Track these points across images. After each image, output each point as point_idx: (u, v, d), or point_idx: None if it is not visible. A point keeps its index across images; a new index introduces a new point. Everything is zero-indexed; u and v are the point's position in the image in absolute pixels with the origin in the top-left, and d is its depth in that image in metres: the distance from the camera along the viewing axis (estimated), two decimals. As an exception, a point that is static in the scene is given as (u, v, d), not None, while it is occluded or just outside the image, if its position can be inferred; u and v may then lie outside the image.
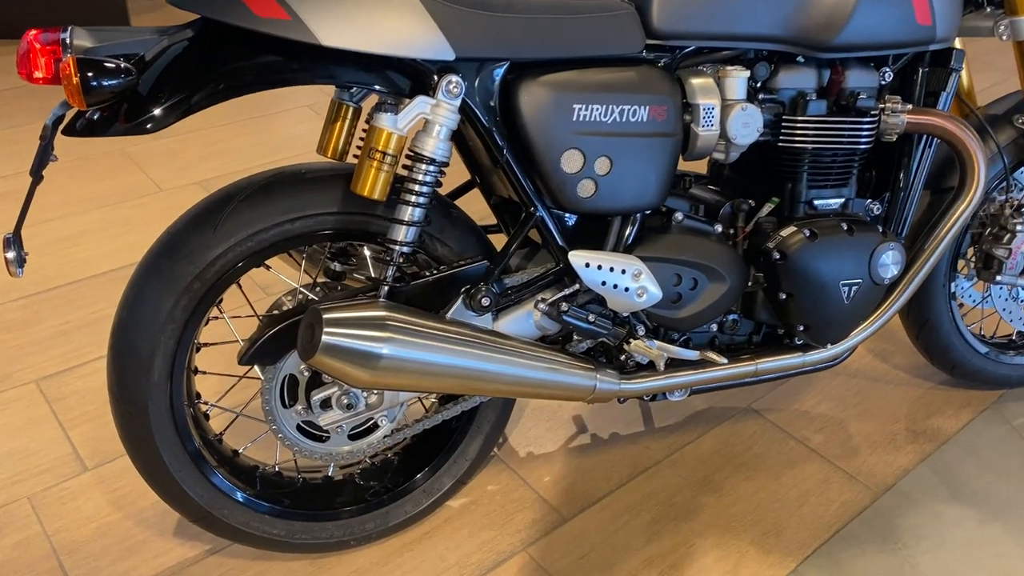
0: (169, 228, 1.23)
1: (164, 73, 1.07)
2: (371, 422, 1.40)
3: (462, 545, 1.52)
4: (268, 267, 1.32)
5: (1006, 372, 1.86)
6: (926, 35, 1.41)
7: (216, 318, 1.47)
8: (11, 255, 1.14)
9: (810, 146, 1.40)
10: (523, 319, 1.34)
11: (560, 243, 1.32)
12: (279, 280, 2.21)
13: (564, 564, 1.49)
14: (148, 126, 1.05)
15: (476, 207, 1.79)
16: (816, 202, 1.46)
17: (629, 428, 1.78)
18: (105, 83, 1.02)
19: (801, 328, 1.45)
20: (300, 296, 1.35)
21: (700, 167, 2.80)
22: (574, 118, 1.23)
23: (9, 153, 2.83)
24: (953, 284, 1.74)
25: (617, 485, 1.65)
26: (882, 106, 1.43)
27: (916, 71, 1.49)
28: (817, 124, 1.39)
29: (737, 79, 1.32)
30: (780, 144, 1.41)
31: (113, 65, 1.03)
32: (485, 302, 1.27)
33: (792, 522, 1.58)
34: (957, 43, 1.52)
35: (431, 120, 1.18)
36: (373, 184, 1.18)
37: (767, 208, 1.46)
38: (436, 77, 1.17)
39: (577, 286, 1.33)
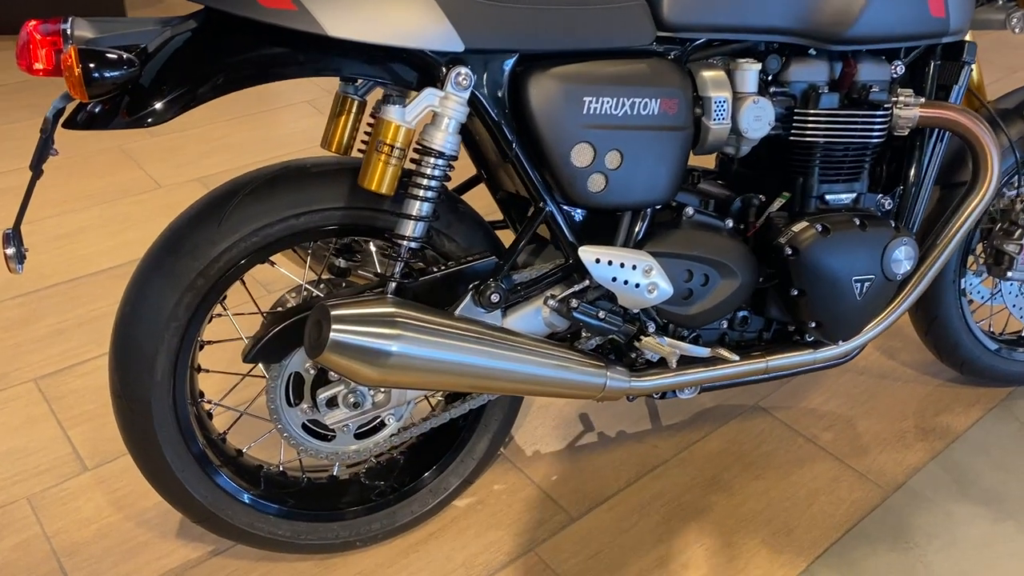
0: (172, 223, 1.21)
1: (167, 64, 1.05)
2: (378, 421, 1.38)
3: (469, 545, 1.50)
4: (273, 263, 1.30)
5: (1016, 369, 1.84)
6: (940, 27, 1.39)
7: (220, 315, 1.45)
8: (11, 251, 1.12)
9: (822, 140, 1.38)
10: (531, 316, 1.31)
11: (570, 239, 1.30)
12: (280, 278, 2.18)
13: (572, 564, 1.47)
14: (150, 119, 1.03)
15: (480, 203, 1.76)
16: (827, 197, 1.44)
17: (636, 426, 1.76)
18: (107, 74, 1.00)
19: (813, 325, 1.43)
20: (305, 293, 1.32)
21: (708, 162, 2.79)
22: (584, 111, 1.21)
23: (7, 149, 2.80)
24: (963, 280, 1.72)
25: (625, 484, 1.63)
26: (895, 99, 1.41)
27: (928, 64, 1.47)
28: (829, 117, 1.37)
29: (749, 72, 1.30)
30: (791, 138, 1.39)
31: (115, 56, 1.00)
32: (495, 298, 1.25)
33: (802, 521, 1.56)
34: (968, 36, 1.50)
35: (440, 113, 1.16)
36: (381, 178, 1.15)
37: (778, 203, 1.44)
38: (444, 69, 1.15)
39: (587, 282, 1.31)
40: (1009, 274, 1.67)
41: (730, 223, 1.41)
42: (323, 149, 1.35)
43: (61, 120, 1.08)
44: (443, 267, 1.28)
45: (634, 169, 1.26)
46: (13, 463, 1.63)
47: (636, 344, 1.38)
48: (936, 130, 1.49)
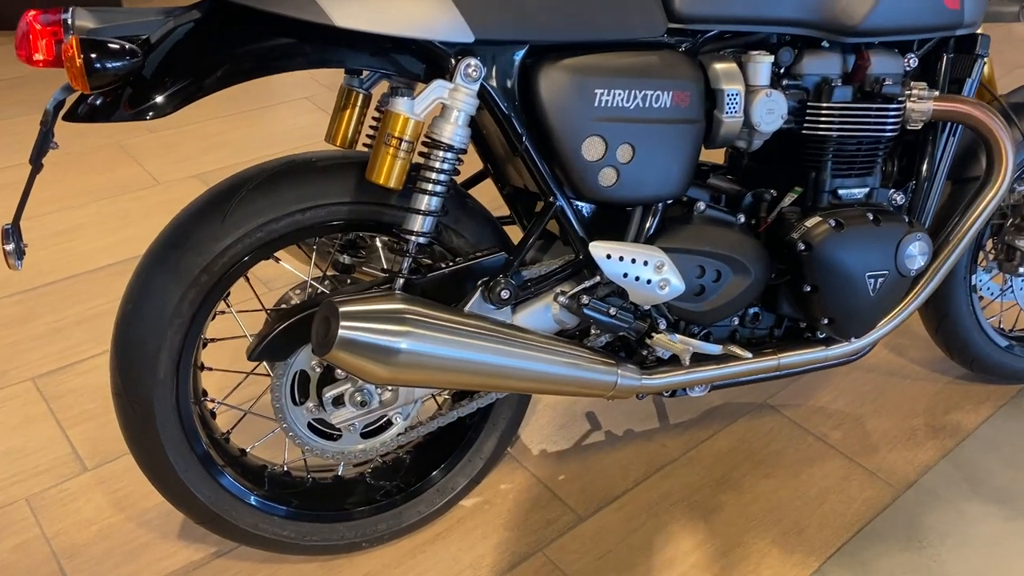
0: (176, 218, 1.18)
1: (170, 56, 1.02)
2: (384, 419, 1.36)
3: (476, 546, 1.47)
4: (277, 259, 1.28)
5: (1026, 366, 1.82)
6: (954, 19, 1.37)
7: (223, 312, 1.42)
8: (10, 247, 1.09)
9: (835, 133, 1.36)
10: (541, 312, 1.29)
11: (580, 234, 1.27)
12: (281, 275, 2.16)
13: (581, 565, 1.45)
14: (153, 112, 1.00)
15: (485, 198, 1.73)
16: (840, 192, 1.42)
17: (644, 425, 1.74)
18: (109, 65, 0.97)
19: (825, 321, 1.41)
20: (310, 290, 1.30)
21: (717, 157, 2.77)
22: (596, 104, 1.19)
23: (4, 145, 2.77)
24: (973, 276, 1.70)
25: (634, 483, 1.61)
26: (908, 92, 1.39)
27: (940, 57, 1.45)
28: (842, 111, 1.35)
29: (761, 64, 1.28)
30: (804, 132, 1.37)
31: (117, 46, 0.98)
32: (504, 295, 1.23)
33: (814, 520, 1.54)
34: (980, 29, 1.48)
35: (449, 105, 1.14)
36: (389, 172, 1.13)
37: (790, 198, 1.42)
38: (454, 60, 1.13)
39: (598, 278, 1.29)
40: (1020, 270, 1.66)
41: (742, 218, 1.39)
42: (327, 143, 1.32)
43: (62, 113, 1.06)
44: (451, 263, 1.26)
45: (646, 163, 1.24)
46: (11, 463, 1.61)
47: (647, 341, 1.36)
48: (949, 124, 1.48)
